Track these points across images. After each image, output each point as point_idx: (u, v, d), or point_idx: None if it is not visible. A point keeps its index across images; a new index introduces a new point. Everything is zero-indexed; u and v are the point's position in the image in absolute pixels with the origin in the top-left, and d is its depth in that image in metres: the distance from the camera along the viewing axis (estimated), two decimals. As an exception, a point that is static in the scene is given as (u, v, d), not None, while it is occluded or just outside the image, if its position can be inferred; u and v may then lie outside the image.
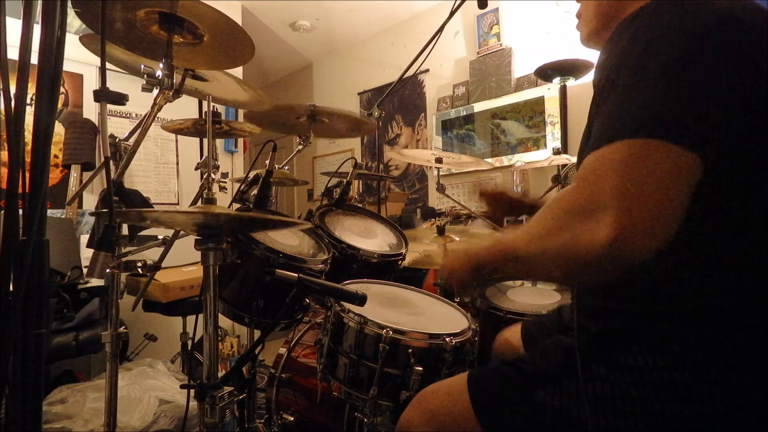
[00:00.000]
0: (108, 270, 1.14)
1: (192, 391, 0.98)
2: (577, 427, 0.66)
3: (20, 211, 0.63)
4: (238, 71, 3.39)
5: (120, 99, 0.99)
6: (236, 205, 1.43)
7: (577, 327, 0.75)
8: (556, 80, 2.65)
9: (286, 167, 1.81)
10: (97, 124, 2.66)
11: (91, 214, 1.02)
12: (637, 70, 0.60)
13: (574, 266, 0.60)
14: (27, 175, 0.62)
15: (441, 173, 2.01)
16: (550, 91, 3.08)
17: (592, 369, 0.67)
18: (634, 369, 0.64)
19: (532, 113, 3.19)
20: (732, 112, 0.57)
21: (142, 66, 1.04)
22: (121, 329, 1.21)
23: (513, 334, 1.16)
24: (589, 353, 0.69)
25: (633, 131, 0.56)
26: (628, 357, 0.64)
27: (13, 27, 0.59)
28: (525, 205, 1.11)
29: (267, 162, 1.34)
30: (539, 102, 3.14)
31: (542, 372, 0.74)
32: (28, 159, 0.62)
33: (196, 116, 2.13)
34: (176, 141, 3.15)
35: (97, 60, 0.92)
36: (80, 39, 1.20)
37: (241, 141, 3.57)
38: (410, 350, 1.05)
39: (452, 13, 1.74)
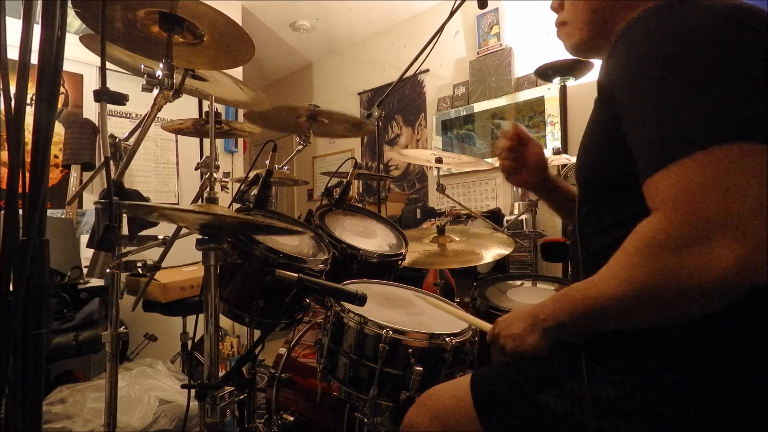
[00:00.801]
0: (108, 270, 1.14)
1: (192, 391, 0.98)
2: (580, 429, 0.66)
3: (20, 211, 0.63)
4: (238, 71, 3.39)
5: (120, 99, 0.99)
6: (236, 205, 1.43)
7: None
8: (556, 80, 2.65)
9: (286, 167, 1.81)
10: (97, 124, 2.66)
11: (96, 203, 1.02)
12: (678, 76, 0.55)
13: (692, 303, 0.53)
14: (27, 175, 0.62)
15: (441, 173, 2.01)
16: (550, 91, 3.08)
17: (596, 371, 0.66)
18: (637, 371, 0.63)
19: (532, 113, 3.19)
20: None
21: (142, 66, 1.04)
22: (121, 329, 1.22)
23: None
24: (591, 354, 0.68)
25: (712, 139, 0.50)
26: (631, 359, 0.64)
27: (13, 27, 0.59)
28: (546, 173, 1.02)
29: (267, 162, 1.34)
30: (539, 102, 3.15)
31: (544, 374, 0.73)
32: (28, 159, 0.62)
33: (196, 116, 2.13)
34: (176, 141, 3.15)
35: (97, 60, 0.92)
36: (80, 39, 1.20)
37: (241, 141, 3.57)
38: (410, 350, 1.05)
39: (452, 13, 1.74)
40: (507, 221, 2.96)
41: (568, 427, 0.67)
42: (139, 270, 1.10)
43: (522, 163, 1.02)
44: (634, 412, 0.61)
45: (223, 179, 1.20)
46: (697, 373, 0.60)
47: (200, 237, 1.00)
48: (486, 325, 0.88)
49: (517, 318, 0.73)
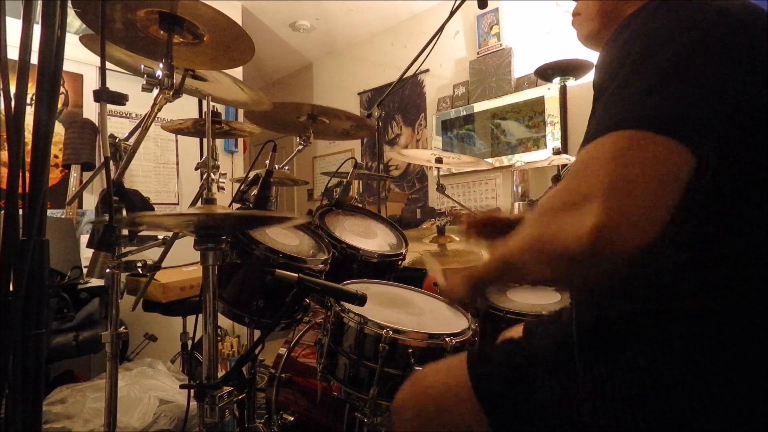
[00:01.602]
0: (108, 270, 1.14)
1: (192, 391, 0.98)
2: (578, 427, 0.66)
3: (20, 211, 0.63)
4: (238, 71, 3.39)
5: (120, 99, 0.99)
6: (236, 205, 1.43)
7: (576, 319, 0.73)
8: (556, 80, 2.65)
9: (286, 167, 1.81)
10: (97, 124, 2.66)
11: (91, 222, 1.02)
12: (634, 68, 0.59)
13: (559, 263, 0.57)
14: (27, 175, 0.62)
15: (441, 173, 2.01)
16: (550, 91, 3.08)
17: (592, 368, 0.66)
18: (635, 368, 0.63)
19: (532, 113, 3.19)
20: (729, 112, 0.57)
21: (142, 66, 1.04)
22: (121, 329, 1.21)
23: (515, 333, 1.16)
24: (589, 351, 0.68)
25: (623, 123, 0.55)
26: (628, 355, 0.64)
27: (13, 27, 0.59)
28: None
29: (267, 162, 1.35)
30: (539, 102, 3.14)
31: (542, 371, 0.73)
32: (28, 159, 0.62)
33: (196, 116, 2.13)
34: (176, 141, 3.15)
35: (97, 60, 0.92)
36: (80, 39, 1.20)
37: (241, 141, 3.57)
38: (410, 350, 1.05)
39: (452, 13, 1.74)
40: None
41: (566, 425, 0.67)
42: (139, 270, 1.10)
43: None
44: (631, 410, 0.61)
45: (220, 180, 1.20)
46: (693, 370, 0.60)
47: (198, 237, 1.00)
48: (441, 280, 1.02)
49: (458, 275, 0.80)
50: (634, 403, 0.62)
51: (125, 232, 1.12)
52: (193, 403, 1.40)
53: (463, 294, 0.78)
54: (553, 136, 3.07)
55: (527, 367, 0.75)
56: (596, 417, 0.64)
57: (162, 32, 1.02)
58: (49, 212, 1.88)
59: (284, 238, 1.39)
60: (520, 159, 3.23)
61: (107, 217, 0.89)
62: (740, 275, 0.61)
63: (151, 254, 1.17)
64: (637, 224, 0.51)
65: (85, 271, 2.03)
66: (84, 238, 2.33)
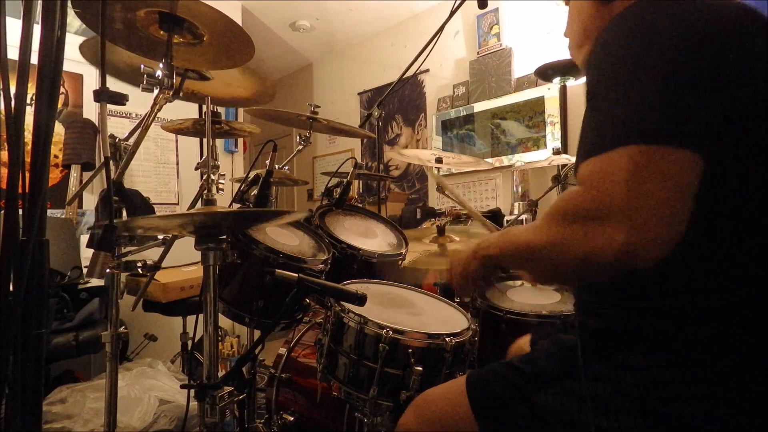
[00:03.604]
0: (108, 270, 1.14)
1: (192, 391, 0.98)
2: (579, 427, 0.66)
3: (20, 211, 0.63)
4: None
5: (120, 99, 0.99)
6: (237, 206, 1.43)
7: (579, 325, 0.74)
8: (556, 80, 2.64)
9: (286, 167, 1.81)
10: (97, 124, 2.66)
11: (90, 228, 1.02)
12: (633, 72, 0.60)
13: (586, 267, 0.60)
14: (27, 175, 0.62)
15: (441, 173, 2.01)
16: (550, 91, 3.08)
17: (593, 368, 0.67)
18: (635, 368, 0.63)
19: (532, 113, 3.19)
20: (724, 112, 0.58)
21: (142, 66, 1.04)
22: (121, 329, 1.21)
23: (526, 343, 1.15)
24: (589, 351, 0.68)
25: (638, 136, 0.56)
26: (629, 356, 0.64)
27: (13, 27, 0.59)
28: None
29: (267, 162, 1.34)
30: (539, 102, 3.14)
31: (542, 372, 0.74)
32: (28, 159, 0.62)
33: (196, 116, 2.13)
34: (176, 141, 3.15)
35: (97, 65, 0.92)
36: (80, 48, 1.20)
37: (241, 141, 3.57)
38: (410, 350, 1.05)
39: (452, 13, 1.74)
40: (507, 221, 2.95)
41: (567, 426, 0.67)
42: (139, 270, 1.10)
43: None
44: (631, 410, 0.62)
45: (219, 182, 1.20)
46: (694, 370, 0.60)
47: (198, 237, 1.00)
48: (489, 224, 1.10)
49: (465, 250, 0.82)
50: (633, 402, 0.62)
51: (125, 232, 1.12)
52: (193, 403, 1.40)
53: (472, 269, 0.78)
54: (553, 136, 3.07)
55: (523, 381, 0.75)
56: (597, 418, 0.64)
57: (162, 32, 1.02)
58: (49, 212, 1.89)
59: (284, 238, 1.39)
60: (520, 159, 3.23)
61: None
62: (737, 275, 0.61)
63: (151, 254, 1.17)
64: (661, 238, 0.54)
65: (85, 271, 2.03)
66: (84, 238, 2.33)
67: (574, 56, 0.90)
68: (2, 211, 0.62)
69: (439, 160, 1.90)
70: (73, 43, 1.08)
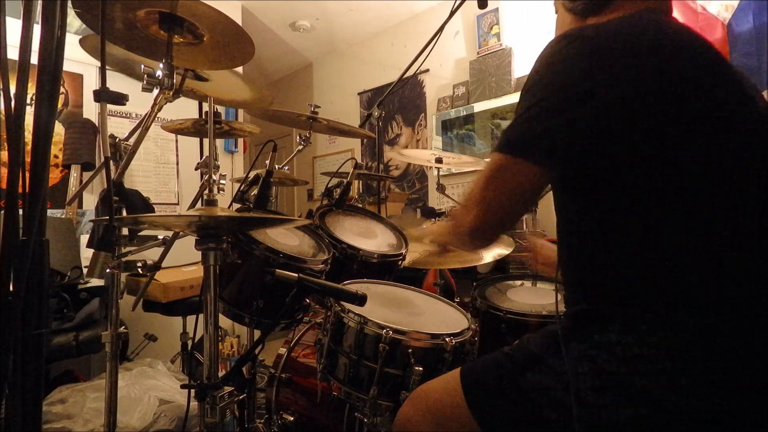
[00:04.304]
0: (108, 270, 1.14)
1: (192, 391, 0.98)
2: (562, 402, 0.71)
3: (20, 211, 0.63)
4: (238, 71, 3.38)
5: (120, 99, 0.99)
6: (236, 206, 1.43)
7: (563, 314, 0.82)
8: (556, 80, 2.64)
9: (286, 167, 1.81)
10: (97, 124, 2.66)
11: (92, 221, 1.03)
12: (522, 94, 0.77)
13: (456, 239, 0.89)
14: (27, 175, 0.62)
15: (441, 173, 2.01)
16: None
17: (572, 347, 0.74)
18: (607, 346, 0.70)
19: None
20: (575, 130, 0.70)
21: (142, 66, 1.04)
22: (121, 329, 1.21)
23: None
24: (571, 332, 0.76)
25: (500, 147, 0.75)
26: (603, 335, 0.71)
27: (13, 27, 0.59)
28: None
29: (267, 162, 1.34)
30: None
31: (530, 354, 0.80)
32: (28, 159, 0.62)
33: (196, 116, 2.13)
34: (176, 141, 3.15)
35: (97, 60, 0.92)
36: (80, 42, 1.20)
37: (241, 141, 3.57)
38: (410, 350, 1.05)
39: (452, 13, 1.74)
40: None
41: (551, 402, 0.73)
42: (139, 270, 1.10)
43: None
44: (605, 385, 0.69)
45: (220, 182, 1.20)
46: (657, 348, 0.66)
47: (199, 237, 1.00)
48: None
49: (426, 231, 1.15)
50: (608, 377, 0.69)
51: (125, 232, 1.12)
52: (193, 403, 1.40)
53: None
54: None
55: (512, 366, 0.81)
56: (577, 393, 0.70)
57: (162, 32, 1.02)
58: (49, 212, 1.89)
59: (284, 238, 1.39)
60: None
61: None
62: (672, 264, 0.68)
63: (151, 254, 1.17)
64: (497, 226, 0.80)
65: (85, 271, 2.03)
66: (84, 238, 2.33)
67: None
68: (2, 211, 0.62)
69: (439, 160, 1.90)
70: (73, 43, 1.08)
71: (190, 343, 2.22)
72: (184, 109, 1.91)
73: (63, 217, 2.45)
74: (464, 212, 0.79)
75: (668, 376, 0.65)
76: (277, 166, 1.45)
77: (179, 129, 1.66)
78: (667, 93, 0.69)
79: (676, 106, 0.69)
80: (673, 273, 0.68)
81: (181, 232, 1.22)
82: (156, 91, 1.05)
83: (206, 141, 1.20)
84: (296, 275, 0.98)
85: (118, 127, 2.83)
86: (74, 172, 2.53)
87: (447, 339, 1.07)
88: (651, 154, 0.68)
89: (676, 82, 0.69)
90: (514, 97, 3.29)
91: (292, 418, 1.44)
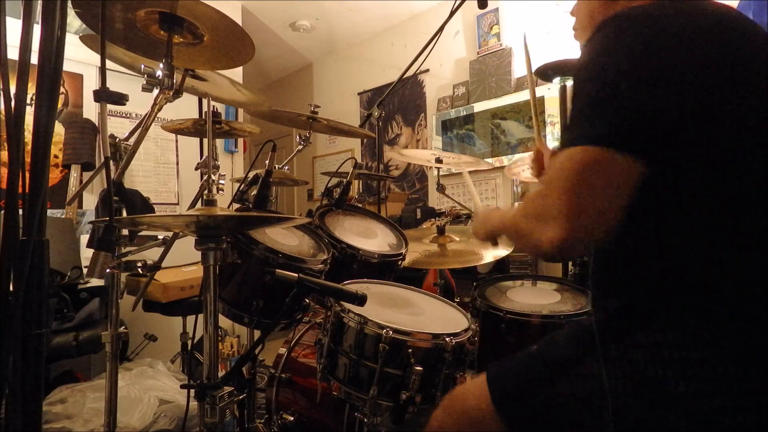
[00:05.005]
0: (108, 270, 1.14)
1: (192, 391, 0.98)
2: (599, 411, 0.67)
3: (20, 211, 0.63)
4: (238, 71, 3.39)
5: (120, 99, 0.99)
6: (236, 205, 1.43)
7: (595, 307, 0.76)
8: (556, 80, 2.64)
9: (286, 167, 1.81)
10: (97, 124, 2.66)
11: (91, 222, 1.02)
12: (593, 81, 0.67)
13: (536, 253, 0.83)
14: (27, 175, 0.62)
15: (441, 173, 2.01)
16: (550, 91, 3.07)
17: (610, 350, 0.68)
18: (648, 347, 0.64)
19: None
20: (672, 120, 0.62)
21: (142, 66, 1.04)
22: (121, 329, 1.21)
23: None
24: (607, 332, 0.70)
25: (583, 139, 0.63)
26: (646, 334, 0.65)
27: (13, 27, 0.59)
28: None
29: (267, 162, 1.34)
30: (539, 102, 3.14)
31: (563, 358, 0.75)
32: (28, 159, 0.62)
33: (196, 116, 2.13)
34: (176, 141, 3.15)
35: (97, 60, 0.92)
36: (81, 38, 1.20)
37: (241, 141, 3.57)
38: (410, 350, 1.05)
39: (452, 13, 1.74)
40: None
41: (589, 409, 0.68)
42: (139, 270, 1.10)
43: None
44: (648, 390, 0.63)
45: (220, 182, 1.20)
46: (704, 350, 0.61)
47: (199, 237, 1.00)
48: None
49: (479, 218, 0.99)
50: (649, 383, 0.63)
51: (125, 232, 1.12)
52: (193, 403, 1.40)
53: (482, 235, 0.98)
54: (553, 136, 3.07)
55: (544, 370, 0.77)
56: (616, 400, 0.65)
57: (162, 32, 1.02)
58: (49, 212, 1.89)
59: (284, 238, 1.39)
60: (521, 159, 3.23)
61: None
62: (736, 259, 0.63)
63: (151, 254, 1.17)
64: (589, 235, 0.64)
65: (85, 271, 2.03)
66: (84, 238, 2.33)
67: (577, 37, 0.91)
68: (2, 211, 0.62)
69: (439, 160, 1.90)
70: (73, 43, 1.08)
71: (190, 343, 2.22)
72: (184, 109, 1.92)
73: (63, 217, 2.45)
74: (540, 226, 0.65)
75: (719, 381, 0.59)
76: (276, 166, 1.45)
77: (179, 129, 1.66)
78: (741, 76, 0.64)
79: (750, 91, 0.64)
80: (733, 272, 0.63)
81: (180, 233, 1.22)
82: (156, 91, 1.05)
83: (206, 141, 1.19)
84: (296, 275, 0.98)
85: (118, 127, 2.83)
86: (74, 172, 2.53)
87: (447, 339, 1.07)
88: (726, 143, 0.63)
89: (747, 64, 0.65)
90: (514, 97, 3.29)
91: (292, 418, 1.44)
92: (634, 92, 0.63)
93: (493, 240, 1.08)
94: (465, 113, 3.62)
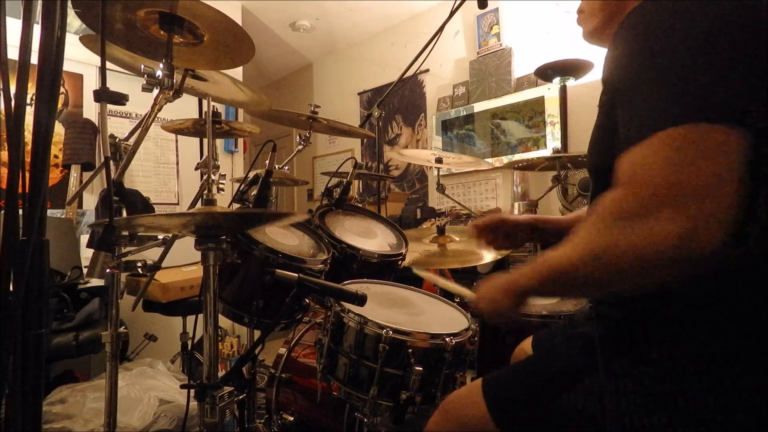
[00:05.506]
0: (108, 270, 1.14)
1: (192, 391, 0.98)
2: (601, 428, 0.64)
3: (20, 211, 0.63)
4: (238, 71, 3.39)
5: (120, 99, 0.99)
6: (236, 205, 1.42)
7: (597, 316, 0.71)
8: (556, 80, 2.64)
9: (286, 167, 1.81)
10: (97, 124, 2.66)
11: (90, 226, 1.02)
12: (662, 61, 0.56)
13: (641, 274, 0.54)
14: (27, 175, 0.62)
15: (441, 173, 2.01)
16: (550, 91, 3.08)
17: (612, 365, 0.64)
18: (656, 361, 0.60)
19: (532, 113, 3.19)
20: (763, 85, 0.53)
21: (142, 66, 1.04)
22: (121, 329, 1.21)
23: (525, 346, 1.14)
24: (610, 345, 0.66)
25: (673, 120, 0.52)
26: (651, 348, 0.61)
27: (13, 27, 0.59)
28: (531, 226, 1.04)
29: (267, 162, 1.34)
30: (539, 102, 3.14)
31: (562, 370, 0.73)
32: (28, 159, 0.62)
33: (196, 116, 2.13)
34: (176, 141, 3.15)
35: (97, 60, 0.92)
36: (81, 39, 1.20)
37: (241, 141, 3.57)
38: (410, 350, 1.05)
39: (452, 13, 1.74)
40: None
41: (591, 426, 0.65)
42: (139, 270, 1.10)
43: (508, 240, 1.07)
44: (655, 406, 0.59)
45: (220, 182, 1.20)
46: (717, 361, 0.57)
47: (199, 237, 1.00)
48: (468, 293, 0.96)
49: (495, 284, 0.72)
50: (656, 399, 0.60)
51: (125, 232, 1.12)
52: (193, 403, 1.40)
53: (506, 306, 0.69)
54: (553, 136, 3.07)
55: (543, 383, 0.74)
56: (620, 418, 0.61)
57: (162, 32, 1.02)
58: (49, 212, 1.88)
59: (284, 238, 1.39)
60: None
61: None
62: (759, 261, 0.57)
63: (151, 254, 1.17)
64: (714, 217, 0.49)
65: (85, 271, 2.03)
66: (84, 238, 2.33)
67: (582, 21, 0.86)
68: (2, 211, 0.62)
69: (439, 160, 1.90)
70: (73, 43, 1.08)
71: (190, 343, 2.22)
72: (184, 109, 1.91)
73: (63, 217, 2.45)
74: (645, 224, 0.51)
75: (731, 394, 0.55)
76: (277, 166, 1.45)
77: (179, 129, 1.67)
78: None
79: None
80: (753, 280, 0.57)
81: (180, 233, 1.22)
82: (156, 91, 1.05)
83: (206, 141, 1.19)
84: (296, 275, 0.98)
85: (118, 127, 2.83)
86: (74, 172, 2.53)
87: (447, 339, 1.07)
88: None
89: None
90: (514, 97, 3.29)
91: (292, 418, 1.44)
92: (720, 60, 0.53)
93: (516, 311, 0.71)
94: (465, 113, 3.62)
